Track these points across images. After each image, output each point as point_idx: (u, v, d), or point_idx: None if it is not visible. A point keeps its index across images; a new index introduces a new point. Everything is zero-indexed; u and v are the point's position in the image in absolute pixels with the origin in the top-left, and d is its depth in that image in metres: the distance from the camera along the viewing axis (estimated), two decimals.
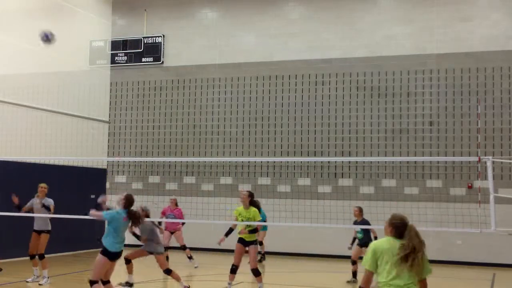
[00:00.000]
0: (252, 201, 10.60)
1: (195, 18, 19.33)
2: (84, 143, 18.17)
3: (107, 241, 8.43)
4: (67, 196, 15.16)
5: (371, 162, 16.90)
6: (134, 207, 8.85)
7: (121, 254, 8.68)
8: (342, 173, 17.37)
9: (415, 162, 16.58)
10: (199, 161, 18.10)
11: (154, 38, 19.39)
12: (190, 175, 18.68)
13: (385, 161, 16.74)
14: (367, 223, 12.46)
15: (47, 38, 11.62)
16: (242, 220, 10.32)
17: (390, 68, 17.32)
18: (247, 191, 10.84)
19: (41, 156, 15.90)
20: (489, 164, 9.94)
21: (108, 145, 19.63)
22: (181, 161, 18.50)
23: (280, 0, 18.63)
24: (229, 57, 18.78)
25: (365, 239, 12.33)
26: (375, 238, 11.96)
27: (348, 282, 12.72)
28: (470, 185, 16.19)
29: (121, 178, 19.27)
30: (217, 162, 17.98)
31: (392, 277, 5.21)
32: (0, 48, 15.68)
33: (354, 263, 12.65)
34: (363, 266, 5.28)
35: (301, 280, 13.48)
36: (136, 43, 19.47)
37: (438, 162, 16.47)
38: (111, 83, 19.85)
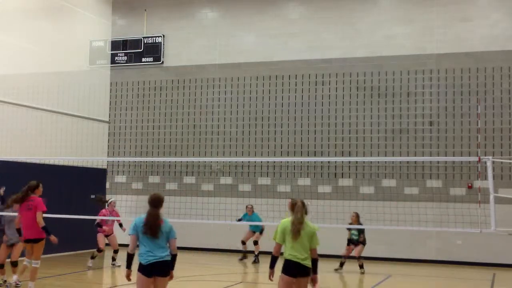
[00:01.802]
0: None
1: (195, 18, 19.32)
2: (84, 143, 18.16)
3: None
4: (67, 196, 15.17)
5: (371, 162, 16.90)
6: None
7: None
8: (342, 173, 17.37)
9: (415, 162, 16.58)
10: (199, 161, 18.10)
11: (154, 38, 19.38)
12: (190, 175, 18.68)
13: (385, 161, 16.73)
14: (362, 229, 14.21)
15: None
16: None
17: (390, 68, 17.31)
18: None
19: (41, 156, 15.90)
20: (489, 164, 9.94)
21: (108, 145, 19.63)
22: (181, 161, 18.49)
23: (280, 0, 18.63)
24: (229, 57, 18.77)
25: (360, 240, 14.34)
26: (362, 240, 14.30)
27: (335, 270, 14.33)
28: (470, 185, 16.19)
29: (121, 178, 19.26)
30: (217, 162, 17.97)
31: (289, 248, 6.88)
32: (0, 48, 15.68)
33: (345, 258, 14.42)
34: (274, 240, 6.96)
35: None
36: (136, 43, 19.47)
37: (438, 162, 16.47)
38: (111, 83, 19.85)
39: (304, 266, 6.86)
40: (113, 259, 14.52)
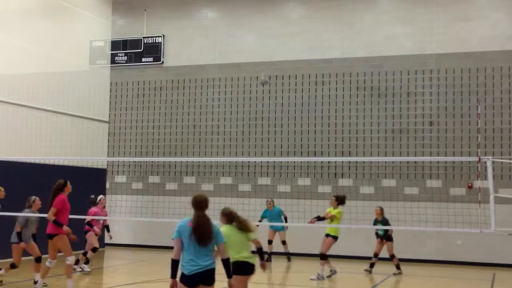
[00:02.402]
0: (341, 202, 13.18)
1: (195, 18, 19.32)
2: (84, 143, 18.17)
3: None
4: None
5: (371, 162, 16.89)
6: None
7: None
8: (342, 173, 17.37)
9: (415, 162, 16.58)
10: (199, 161, 18.09)
11: (154, 38, 19.38)
12: (190, 175, 18.68)
13: (385, 161, 16.73)
14: (387, 221, 13.75)
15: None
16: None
17: (390, 68, 17.31)
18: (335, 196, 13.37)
19: (41, 156, 15.90)
20: (489, 164, 9.93)
21: (108, 145, 19.62)
22: (181, 161, 18.49)
23: (280, 0, 18.62)
24: (229, 57, 18.77)
25: (385, 235, 14.05)
26: (390, 234, 14.00)
27: (365, 270, 14.14)
28: (470, 185, 16.19)
29: (121, 178, 19.26)
30: (217, 162, 17.97)
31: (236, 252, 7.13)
32: (0, 48, 15.68)
33: (376, 255, 14.20)
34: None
35: (302, 280, 13.46)
36: (136, 43, 19.47)
37: (438, 162, 16.46)
38: (111, 83, 19.85)
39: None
40: (87, 261, 13.42)
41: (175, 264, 6.18)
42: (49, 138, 16.67)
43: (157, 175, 18.97)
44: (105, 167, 19.18)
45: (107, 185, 18.89)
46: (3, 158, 14.39)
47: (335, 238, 13.02)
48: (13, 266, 11.07)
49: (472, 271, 15.15)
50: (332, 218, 12.88)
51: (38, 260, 10.98)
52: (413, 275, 14.21)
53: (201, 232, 6.12)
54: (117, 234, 19.35)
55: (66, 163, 16.74)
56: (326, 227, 13.14)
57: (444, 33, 16.94)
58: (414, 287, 13.09)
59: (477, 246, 15.90)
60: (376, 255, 14.21)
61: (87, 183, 17.69)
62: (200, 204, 6.36)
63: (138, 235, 18.95)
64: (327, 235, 13.06)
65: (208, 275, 6.22)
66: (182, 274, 6.15)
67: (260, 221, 15.30)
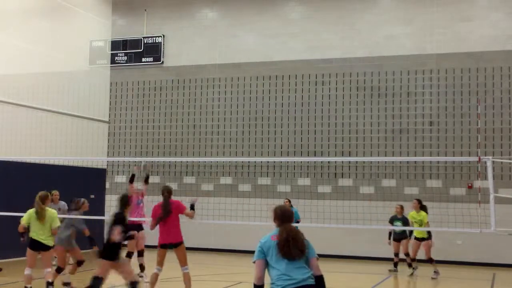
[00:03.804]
0: (422, 206, 13.84)
1: (195, 18, 19.32)
2: (84, 143, 18.16)
3: None
4: (67, 196, 15.13)
5: (371, 162, 16.89)
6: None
7: None
8: (342, 173, 17.36)
9: (415, 162, 16.57)
10: (199, 161, 18.10)
11: (154, 38, 19.38)
12: (190, 175, 18.68)
13: (385, 161, 16.73)
14: (406, 219, 13.96)
15: None
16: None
17: (390, 68, 17.31)
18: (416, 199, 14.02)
19: (41, 156, 15.90)
20: (489, 164, 9.93)
21: (108, 145, 19.62)
22: (181, 161, 18.49)
23: (280, 0, 18.62)
24: (229, 57, 18.77)
25: (403, 234, 14.23)
26: (410, 232, 14.18)
27: (390, 270, 14.35)
28: (470, 185, 16.19)
29: (121, 178, 19.23)
30: (217, 162, 17.97)
31: None
32: (0, 48, 15.68)
33: (396, 255, 14.33)
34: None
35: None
36: (136, 43, 19.47)
37: (438, 162, 16.46)
38: (111, 83, 19.85)
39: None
40: (142, 267, 11.94)
41: None
42: (49, 138, 16.67)
43: (157, 175, 18.96)
44: (105, 167, 19.18)
45: (107, 185, 18.88)
46: (3, 158, 14.39)
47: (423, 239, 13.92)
48: (80, 263, 10.84)
49: (472, 271, 15.15)
50: (420, 224, 13.66)
51: (80, 263, 10.87)
52: (413, 274, 14.21)
53: (294, 244, 5.16)
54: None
55: (66, 163, 16.75)
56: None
57: (444, 33, 16.94)
58: (414, 287, 13.09)
59: (477, 246, 15.89)
60: (397, 255, 14.40)
61: (87, 183, 17.71)
62: (288, 215, 5.47)
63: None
64: (421, 239, 13.93)
65: None
66: None
67: None
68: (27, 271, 9.46)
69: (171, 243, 9.40)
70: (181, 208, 9.55)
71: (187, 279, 9.43)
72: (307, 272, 5.09)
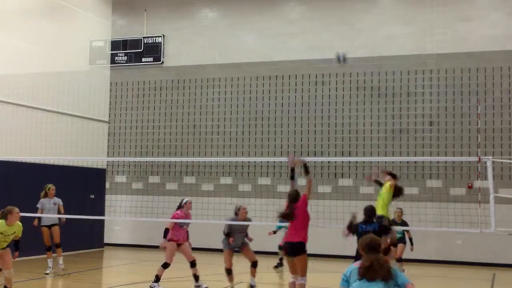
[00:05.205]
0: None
1: (195, 18, 19.33)
2: (84, 143, 18.16)
3: None
4: (67, 196, 15.14)
5: (371, 162, 16.88)
6: None
7: None
8: (342, 173, 17.37)
9: (415, 162, 16.57)
10: (199, 161, 18.10)
11: (154, 38, 19.39)
12: (190, 175, 18.68)
13: (385, 161, 16.72)
14: (406, 224, 13.59)
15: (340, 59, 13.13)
16: None
17: (390, 68, 17.31)
18: None
19: (41, 156, 15.90)
20: (489, 164, 9.93)
21: (108, 145, 19.63)
22: (181, 161, 18.50)
23: (280, 0, 18.63)
24: (229, 57, 18.78)
25: (403, 238, 13.74)
26: (410, 238, 13.69)
27: None
28: (470, 185, 16.18)
29: (121, 178, 19.27)
30: (217, 162, 17.97)
31: None
32: (0, 48, 15.68)
33: (400, 260, 13.73)
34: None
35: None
36: (136, 43, 19.47)
37: (438, 162, 16.46)
38: (111, 83, 19.85)
39: None
40: (196, 278, 11.39)
41: None
42: (49, 138, 16.67)
43: (157, 175, 18.98)
44: (105, 167, 19.18)
45: (107, 185, 18.89)
46: (3, 158, 14.40)
47: None
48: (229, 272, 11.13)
49: (472, 271, 15.15)
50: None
51: (254, 264, 11.11)
52: (413, 275, 14.20)
53: (378, 269, 5.04)
54: (117, 234, 19.41)
55: (66, 163, 16.76)
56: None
57: (444, 33, 16.94)
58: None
59: (477, 246, 15.89)
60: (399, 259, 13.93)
61: (87, 183, 17.73)
62: (376, 245, 5.26)
63: (138, 235, 18.95)
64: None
65: None
66: None
67: (274, 232, 14.06)
68: None
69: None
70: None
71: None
72: None
